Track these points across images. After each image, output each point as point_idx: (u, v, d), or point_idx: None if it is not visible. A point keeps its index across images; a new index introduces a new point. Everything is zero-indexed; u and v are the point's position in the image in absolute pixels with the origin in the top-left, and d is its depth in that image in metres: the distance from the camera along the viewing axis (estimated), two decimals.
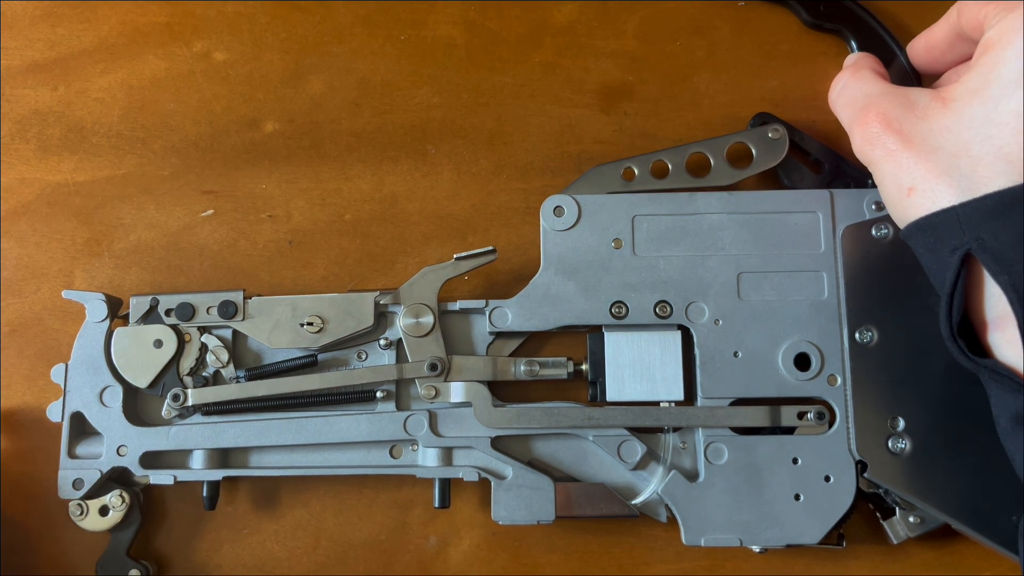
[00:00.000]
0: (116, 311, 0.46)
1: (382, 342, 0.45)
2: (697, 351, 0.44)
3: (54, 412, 0.44)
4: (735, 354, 0.44)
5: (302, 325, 0.44)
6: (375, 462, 0.45)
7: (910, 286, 0.43)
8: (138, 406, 0.46)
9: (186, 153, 0.49)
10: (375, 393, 0.45)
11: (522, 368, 0.45)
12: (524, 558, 0.46)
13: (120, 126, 0.50)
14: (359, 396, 0.45)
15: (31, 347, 0.48)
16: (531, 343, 0.47)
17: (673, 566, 0.46)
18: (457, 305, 0.45)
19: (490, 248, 0.45)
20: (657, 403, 0.44)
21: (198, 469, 0.45)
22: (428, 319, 0.44)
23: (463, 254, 0.45)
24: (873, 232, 0.44)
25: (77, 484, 0.44)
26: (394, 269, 0.48)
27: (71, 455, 0.44)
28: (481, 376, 0.44)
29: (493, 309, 0.45)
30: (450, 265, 0.45)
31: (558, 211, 0.45)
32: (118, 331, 0.45)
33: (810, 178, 0.47)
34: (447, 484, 0.44)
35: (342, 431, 0.44)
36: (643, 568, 0.46)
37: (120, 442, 0.44)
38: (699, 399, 0.44)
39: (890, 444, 0.42)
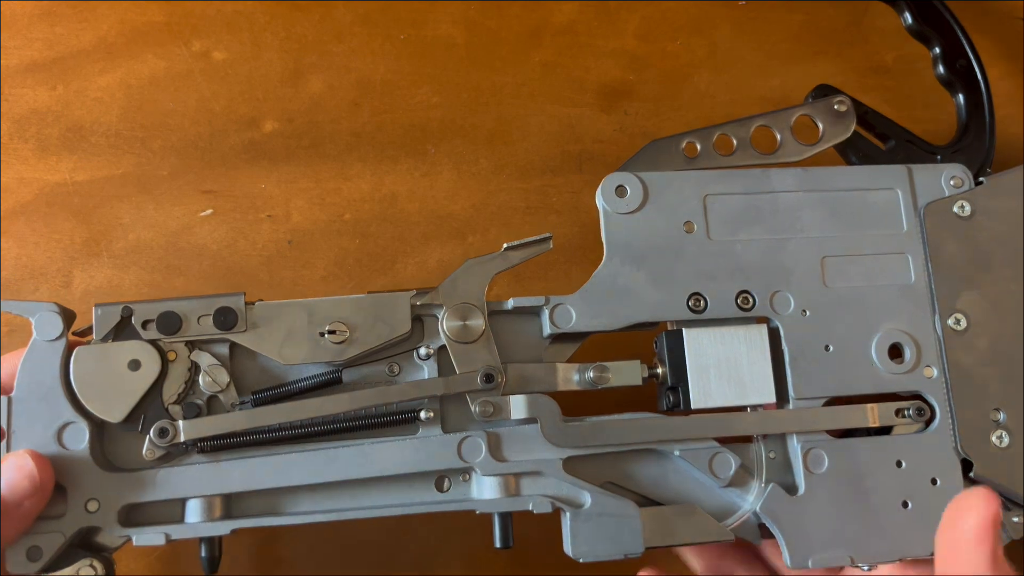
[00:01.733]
0: (71, 325, 0.37)
1: (422, 351, 0.38)
2: (786, 346, 0.39)
3: None
4: (826, 348, 0.39)
5: (322, 334, 0.37)
6: (420, 499, 0.37)
7: (995, 266, 0.40)
8: (109, 446, 0.37)
9: (185, 153, 0.49)
10: (419, 413, 0.37)
11: (589, 375, 0.38)
12: (523, 557, 0.46)
13: (119, 126, 0.50)
14: (400, 418, 0.37)
15: None
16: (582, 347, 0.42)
17: None
18: (510, 304, 0.39)
19: (546, 235, 0.39)
20: (745, 408, 0.39)
21: (197, 523, 0.35)
22: (478, 321, 0.38)
23: (514, 243, 0.38)
24: (955, 210, 0.41)
25: (32, 554, 0.34)
26: (394, 269, 0.48)
27: None
28: (542, 387, 0.38)
29: (554, 307, 0.38)
30: (499, 256, 0.38)
31: (620, 191, 0.39)
32: (79, 351, 0.36)
33: (875, 154, 0.43)
34: (509, 519, 0.37)
35: (382, 462, 0.36)
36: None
37: (89, 495, 0.35)
38: (791, 401, 0.39)
39: (993, 439, 0.38)
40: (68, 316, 0.37)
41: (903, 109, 0.52)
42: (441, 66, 0.50)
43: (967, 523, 0.32)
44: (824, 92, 0.43)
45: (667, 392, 0.39)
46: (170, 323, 0.36)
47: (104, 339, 0.36)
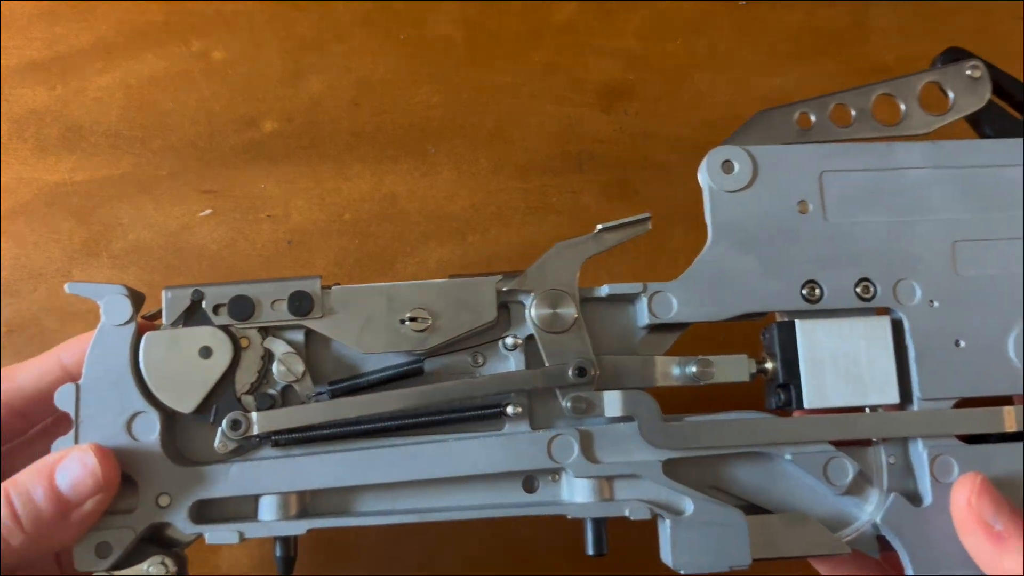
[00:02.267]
0: (140, 308, 0.36)
1: (508, 341, 0.35)
2: (911, 341, 0.35)
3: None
4: (956, 343, 0.35)
5: (403, 321, 0.34)
6: (506, 500, 0.35)
7: None
8: (179, 437, 0.35)
9: (184, 153, 0.49)
10: (506, 408, 0.34)
11: (691, 369, 0.35)
12: (526, 555, 0.46)
13: (118, 125, 0.50)
14: (486, 413, 0.35)
15: (29, 348, 0.48)
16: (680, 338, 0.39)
17: None
18: (604, 290, 0.36)
19: (644, 216, 0.36)
20: (863, 409, 0.36)
21: (271, 521, 0.34)
22: (569, 310, 0.35)
23: (609, 224, 0.35)
24: None
25: (102, 550, 0.33)
26: (394, 269, 0.48)
27: None
28: (640, 382, 0.35)
29: (653, 294, 0.35)
30: (591, 238, 0.35)
31: (727, 167, 0.36)
32: (149, 336, 0.34)
33: (1012, 126, 0.38)
34: (603, 524, 0.34)
35: (467, 460, 0.34)
36: None
37: (160, 488, 0.33)
38: (916, 401, 0.35)
39: None
40: (137, 299, 0.35)
41: None
42: (441, 66, 0.50)
43: (956, 503, 0.33)
44: (954, 56, 0.39)
45: (777, 389, 0.36)
46: (243, 308, 0.34)
47: (174, 324, 0.34)
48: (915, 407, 0.35)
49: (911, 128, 0.37)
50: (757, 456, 0.36)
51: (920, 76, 0.38)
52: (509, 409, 0.34)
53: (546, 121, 0.49)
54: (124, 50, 0.50)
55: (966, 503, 0.33)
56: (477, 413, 0.35)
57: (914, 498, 0.35)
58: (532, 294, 0.35)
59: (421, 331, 0.34)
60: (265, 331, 0.35)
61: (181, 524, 0.33)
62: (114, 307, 0.34)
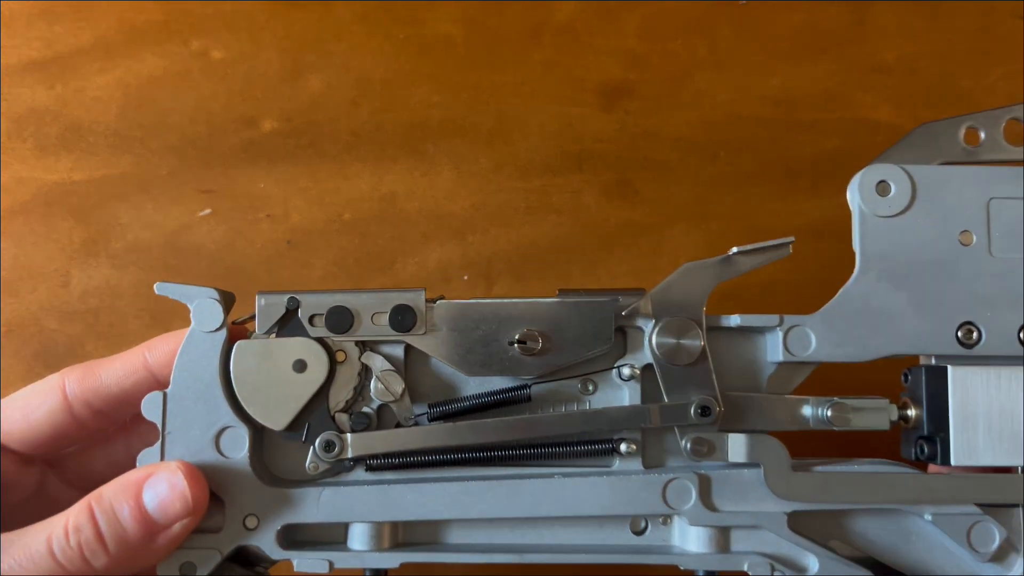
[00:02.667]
0: (230, 313, 0.34)
1: (625, 371, 0.32)
2: None
3: (147, 464, 0.31)
4: None
5: (512, 343, 0.32)
6: (613, 541, 0.33)
7: None
8: (268, 455, 0.33)
9: (184, 152, 0.49)
10: (619, 445, 0.32)
11: (827, 413, 0.32)
12: None
13: (117, 125, 0.49)
14: (597, 449, 0.32)
15: (28, 348, 0.48)
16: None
17: None
18: (735, 320, 0.33)
19: (787, 240, 0.32)
20: (1014, 470, 0.32)
21: (363, 551, 0.32)
22: (695, 341, 0.32)
23: (746, 247, 0.32)
24: None
25: (186, 569, 0.31)
26: (393, 269, 0.48)
27: None
28: (766, 423, 0.32)
29: (790, 328, 0.32)
30: (720, 262, 0.32)
31: (882, 188, 0.32)
32: (240, 346, 0.32)
33: None
34: None
35: (575, 501, 0.31)
36: None
37: (249, 510, 0.31)
38: None
39: None
40: (229, 302, 0.33)
41: (905, 108, 0.52)
42: (441, 65, 0.50)
43: None
44: None
45: (919, 440, 0.33)
46: (341, 320, 0.32)
47: (267, 333, 0.32)
48: None
49: None
50: (891, 512, 0.33)
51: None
52: (623, 446, 0.32)
53: (546, 121, 0.49)
54: (123, 49, 0.50)
55: None
56: (588, 448, 0.32)
57: None
58: (654, 320, 0.32)
59: (532, 355, 0.32)
60: (363, 344, 0.33)
61: (268, 548, 0.32)
62: (205, 311, 0.32)
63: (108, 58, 0.50)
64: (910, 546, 0.33)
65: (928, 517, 0.32)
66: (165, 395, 0.32)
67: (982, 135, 0.33)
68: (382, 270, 0.48)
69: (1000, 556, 0.32)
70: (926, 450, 0.32)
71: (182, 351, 0.32)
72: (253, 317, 0.33)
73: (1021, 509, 0.32)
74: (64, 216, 0.49)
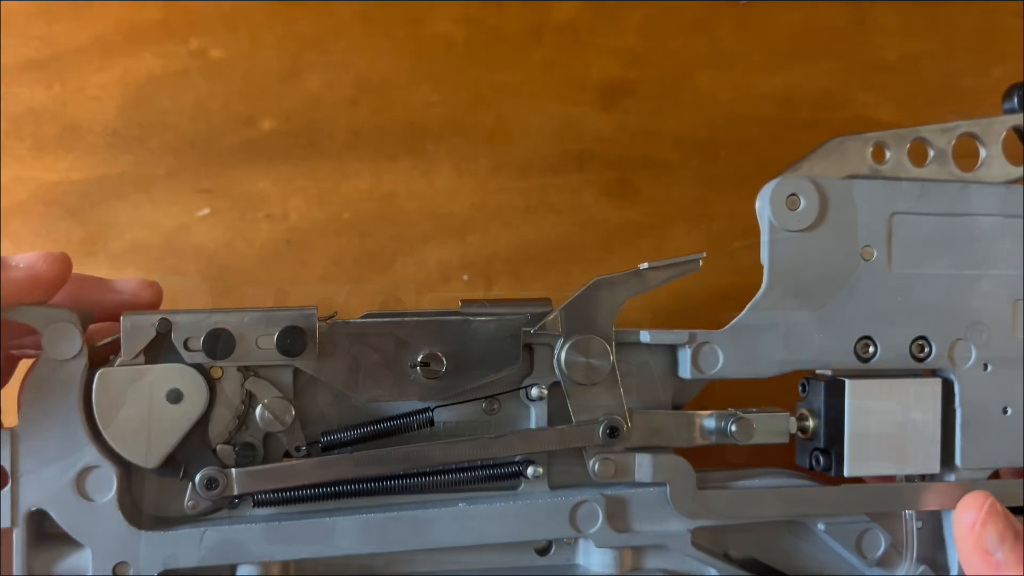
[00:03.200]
0: (86, 333, 0.29)
1: (533, 392, 0.31)
2: (959, 407, 0.33)
3: None
4: (1004, 410, 0.33)
5: (413, 366, 0.30)
6: (517, 563, 0.32)
7: None
8: (140, 494, 0.30)
9: (182, 151, 0.49)
10: (526, 470, 0.31)
11: (732, 428, 0.32)
12: None
13: (116, 124, 0.49)
14: (503, 473, 0.31)
15: None
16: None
17: None
18: (644, 336, 0.32)
19: (696, 256, 0.32)
20: (898, 478, 0.33)
21: None
22: (604, 361, 0.31)
23: (656, 264, 0.32)
24: None
25: None
26: (393, 268, 0.48)
27: None
28: (671, 440, 0.32)
29: (700, 345, 0.32)
30: (632, 276, 0.32)
31: (792, 202, 0.32)
32: (103, 374, 0.28)
33: None
34: None
35: (481, 529, 0.30)
36: None
37: (118, 557, 0.28)
38: (957, 470, 0.33)
39: None
40: (87, 324, 0.29)
41: (906, 108, 0.52)
42: (440, 64, 0.50)
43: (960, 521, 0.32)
44: None
45: (815, 452, 0.33)
46: (221, 344, 0.28)
47: (133, 360, 0.29)
48: (953, 477, 0.33)
49: (989, 176, 0.34)
50: (785, 523, 0.34)
51: (1007, 119, 0.34)
52: (530, 470, 0.31)
53: (546, 120, 0.49)
54: (122, 49, 0.50)
55: (970, 527, 0.31)
56: (493, 472, 0.31)
57: (942, 568, 0.33)
58: (562, 338, 0.31)
59: (433, 378, 0.30)
60: (246, 369, 0.29)
61: None
62: (60, 337, 0.28)
63: (106, 57, 0.50)
64: (803, 554, 0.34)
65: (822, 527, 0.33)
66: (13, 432, 0.28)
67: (888, 153, 0.33)
68: (381, 270, 0.48)
69: (886, 561, 0.33)
70: (821, 461, 0.33)
71: (31, 382, 0.28)
72: (116, 339, 0.29)
73: (910, 515, 0.33)
74: (62, 216, 0.49)
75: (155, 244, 0.48)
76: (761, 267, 0.33)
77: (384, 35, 0.50)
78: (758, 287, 0.33)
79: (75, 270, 0.48)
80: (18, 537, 0.27)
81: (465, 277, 0.47)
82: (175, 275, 0.48)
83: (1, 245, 0.48)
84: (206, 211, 0.49)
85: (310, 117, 0.49)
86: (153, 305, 0.30)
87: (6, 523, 0.27)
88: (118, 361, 0.29)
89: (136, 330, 0.28)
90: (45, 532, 0.29)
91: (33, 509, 0.28)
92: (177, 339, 0.28)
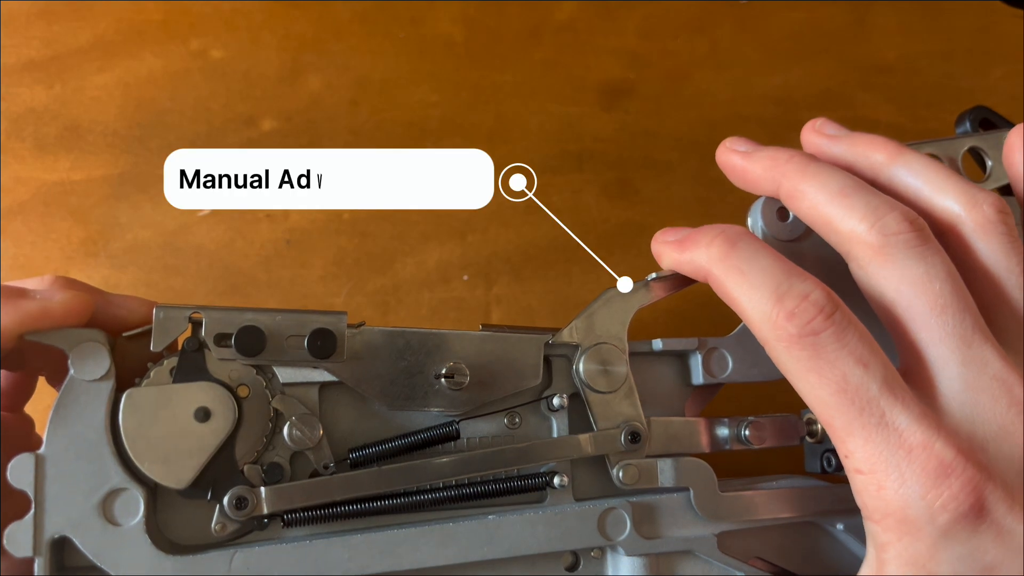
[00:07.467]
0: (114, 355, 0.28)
1: (555, 401, 0.31)
2: None
3: (17, 540, 0.26)
4: None
5: (438, 376, 0.30)
6: None
7: None
8: (166, 517, 0.29)
9: None
10: (552, 479, 0.31)
11: (745, 433, 0.32)
12: None
13: (116, 124, 0.49)
14: (531, 484, 0.31)
15: None
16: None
17: None
18: (658, 345, 0.33)
19: None
20: None
21: None
22: (620, 368, 0.31)
23: (663, 274, 0.32)
24: None
25: None
26: (393, 268, 0.48)
27: None
28: (689, 447, 0.32)
29: (710, 351, 0.33)
30: (642, 288, 0.32)
31: (782, 213, 0.33)
32: (130, 395, 0.28)
33: None
34: None
35: (510, 541, 0.30)
36: None
37: None
38: None
39: None
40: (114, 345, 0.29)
41: (905, 108, 0.52)
42: (440, 64, 0.50)
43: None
44: (985, 118, 0.37)
45: (825, 454, 0.34)
46: (252, 341, 0.28)
47: (168, 349, 0.28)
48: None
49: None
50: (804, 524, 0.34)
51: (962, 140, 0.35)
52: (556, 480, 0.31)
53: (546, 120, 0.49)
54: (122, 49, 0.50)
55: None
56: (521, 484, 0.31)
57: None
58: (580, 348, 0.31)
59: (457, 389, 0.30)
60: (271, 387, 0.29)
61: None
62: (88, 357, 0.27)
63: (107, 58, 0.50)
64: (823, 555, 0.34)
65: (840, 527, 0.33)
66: (39, 457, 0.27)
67: None
68: (381, 270, 0.48)
69: None
70: (833, 462, 0.34)
71: (58, 404, 0.27)
72: (144, 332, 0.28)
73: None
74: (63, 216, 0.49)
75: (156, 244, 0.48)
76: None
77: (384, 35, 0.50)
78: None
79: (75, 271, 0.48)
80: (39, 566, 0.26)
81: (465, 277, 0.47)
82: (175, 275, 0.48)
83: (1, 245, 0.48)
84: (206, 211, 0.49)
85: (310, 117, 0.49)
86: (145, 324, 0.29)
87: (26, 552, 0.26)
88: (144, 381, 0.28)
89: (169, 321, 0.28)
90: (67, 564, 0.28)
91: (56, 536, 0.27)
92: (208, 333, 0.28)
